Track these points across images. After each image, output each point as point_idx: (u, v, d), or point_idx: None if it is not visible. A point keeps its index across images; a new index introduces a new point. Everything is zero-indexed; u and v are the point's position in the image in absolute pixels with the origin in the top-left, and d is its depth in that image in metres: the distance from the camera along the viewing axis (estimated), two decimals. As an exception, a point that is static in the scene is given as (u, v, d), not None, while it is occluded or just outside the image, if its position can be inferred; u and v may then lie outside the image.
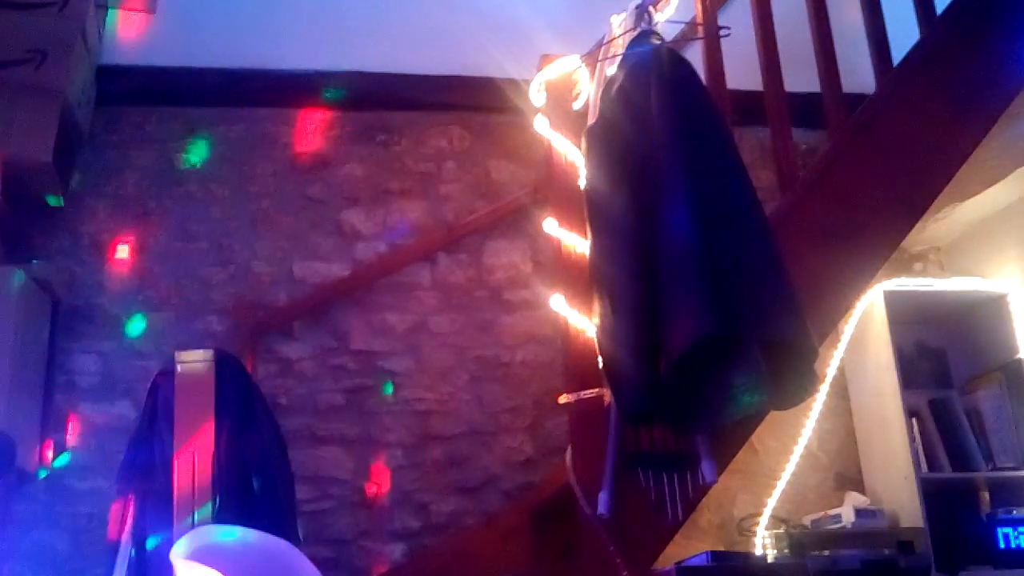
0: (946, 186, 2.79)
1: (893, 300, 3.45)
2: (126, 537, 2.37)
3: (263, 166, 3.68)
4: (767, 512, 3.38)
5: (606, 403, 2.44)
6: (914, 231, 2.91)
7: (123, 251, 3.49)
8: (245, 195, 3.63)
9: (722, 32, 2.83)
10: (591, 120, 2.61)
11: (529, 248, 3.72)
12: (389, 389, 3.47)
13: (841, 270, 2.66)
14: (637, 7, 2.62)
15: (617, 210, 2.30)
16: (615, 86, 2.45)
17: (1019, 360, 3.41)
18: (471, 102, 3.81)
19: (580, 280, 2.52)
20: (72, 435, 3.26)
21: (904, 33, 2.96)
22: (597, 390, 2.46)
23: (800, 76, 2.94)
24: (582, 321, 2.51)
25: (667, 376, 2.09)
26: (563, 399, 2.52)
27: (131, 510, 2.41)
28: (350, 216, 3.67)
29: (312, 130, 3.76)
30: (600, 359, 2.28)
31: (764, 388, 2.12)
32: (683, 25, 3.04)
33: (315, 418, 3.42)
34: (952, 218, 3.63)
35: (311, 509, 3.26)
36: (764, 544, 3.29)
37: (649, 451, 2.41)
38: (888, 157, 2.78)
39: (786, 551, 3.13)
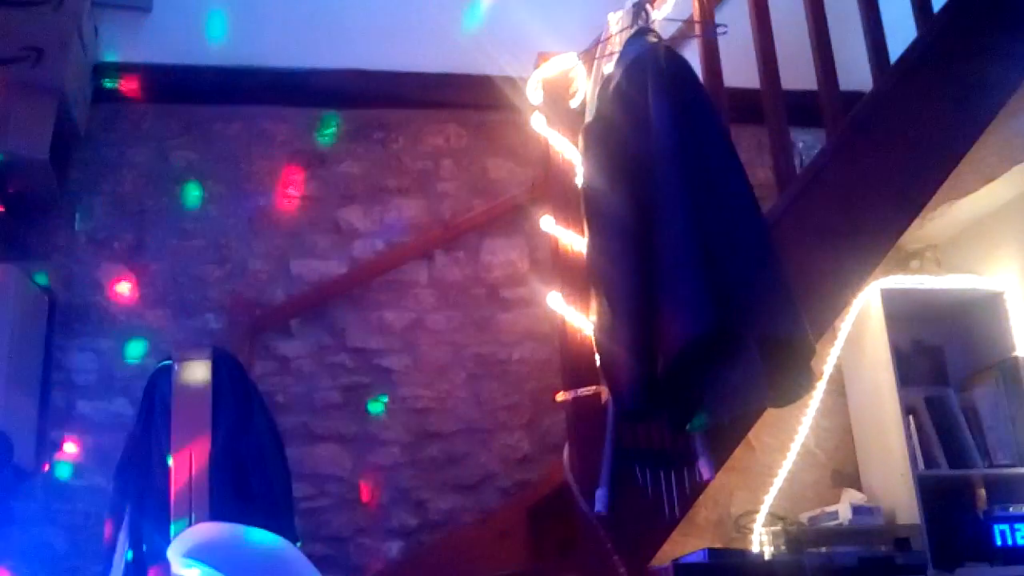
0: (943, 184, 2.80)
1: (890, 298, 3.45)
2: (123, 535, 2.37)
3: (260, 164, 3.68)
4: (764, 509, 3.38)
5: (603, 401, 2.45)
6: (911, 229, 2.92)
7: (120, 249, 3.49)
8: (242, 193, 3.63)
9: (719, 30, 2.83)
10: (588, 118, 2.61)
11: (526, 246, 3.72)
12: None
13: (838, 268, 2.66)
14: (634, 5, 2.63)
15: (614, 208, 2.30)
16: (612, 84, 2.45)
17: (1016, 358, 3.42)
18: (468, 100, 3.80)
19: (577, 278, 2.53)
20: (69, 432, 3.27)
21: (901, 31, 2.96)
22: (594, 388, 2.47)
23: (797, 74, 2.95)
24: (579, 319, 2.52)
25: (664, 374, 2.09)
26: (560, 397, 2.52)
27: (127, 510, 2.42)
28: (347, 214, 3.67)
29: (309, 128, 3.76)
30: (597, 356, 2.29)
31: (761, 385, 2.13)
32: (680, 23, 3.05)
33: (312, 416, 3.42)
34: (949, 216, 3.63)
35: (308, 507, 3.26)
36: (761, 541, 3.30)
37: (646, 448, 2.41)
38: (885, 155, 2.78)
39: (783, 548, 3.14)
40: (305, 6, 3.81)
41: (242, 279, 3.53)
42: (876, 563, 2.85)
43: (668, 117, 2.29)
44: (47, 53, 3.19)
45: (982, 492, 3.41)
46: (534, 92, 2.83)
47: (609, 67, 2.57)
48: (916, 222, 2.89)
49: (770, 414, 2.51)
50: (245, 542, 2.07)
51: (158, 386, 2.53)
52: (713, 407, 2.19)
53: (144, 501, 2.39)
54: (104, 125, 3.62)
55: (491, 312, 3.64)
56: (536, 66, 2.82)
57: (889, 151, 2.79)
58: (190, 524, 2.26)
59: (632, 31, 2.56)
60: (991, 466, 3.36)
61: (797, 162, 2.89)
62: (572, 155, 2.69)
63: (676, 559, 2.61)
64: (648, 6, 2.62)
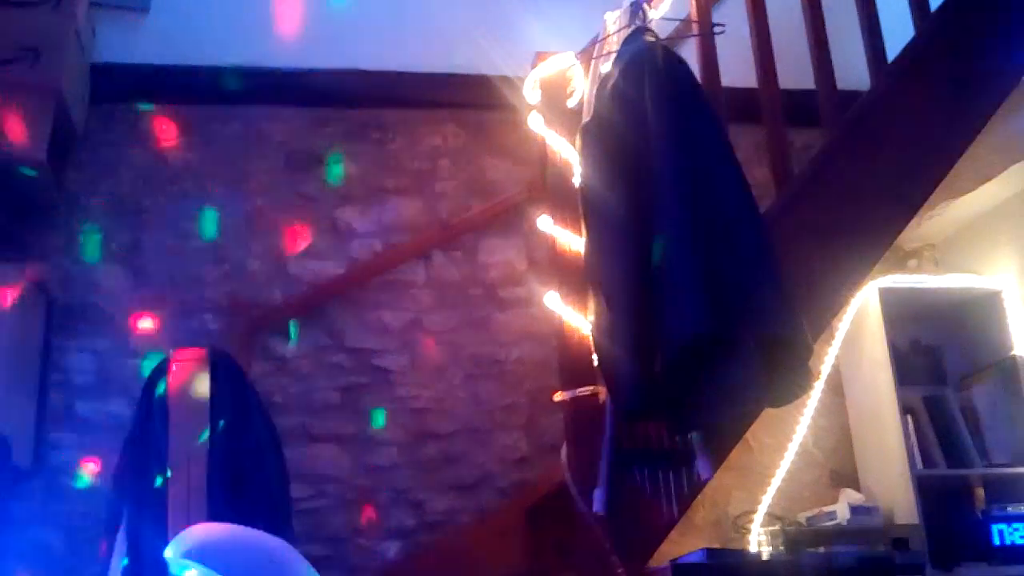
0: (941, 183, 2.80)
1: (888, 297, 3.45)
2: (120, 536, 2.37)
3: (257, 164, 3.68)
4: (762, 509, 3.38)
5: (601, 401, 2.45)
6: (908, 228, 2.92)
7: (118, 250, 3.48)
8: (240, 193, 3.63)
9: (716, 29, 2.83)
10: (586, 117, 2.60)
11: (524, 246, 3.72)
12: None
13: (836, 267, 2.66)
14: (631, 4, 2.62)
15: (612, 208, 2.30)
16: (610, 83, 2.45)
17: (1014, 357, 3.42)
18: (466, 99, 3.80)
19: (575, 278, 2.53)
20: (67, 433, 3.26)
21: (899, 30, 2.96)
22: (592, 388, 2.47)
23: (795, 73, 2.95)
24: (577, 318, 2.52)
25: (662, 373, 2.09)
26: (558, 397, 2.52)
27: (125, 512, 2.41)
28: (345, 214, 3.67)
29: (306, 128, 3.75)
30: (595, 356, 2.29)
31: (759, 385, 2.12)
32: (677, 22, 3.04)
33: (310, 416, 3.41)
34: (946, 215, 3.63)
35: (306, 507, 3.26)
36: (759, 541, 3.30)
37: (644, 448, 2.41)
38: (882, 154, 2.78)
39: (781, 548, 3.14)
40: (302, 6, 3.80)
41: (240, 279, 3.52)
42: (874, 563, 2.85)
43: (666, 116, 2.28)
44: (44, 53, 3.19)
45: (980, 492, 3.42)
46: (531, 92, 2.82)
47: (606, 66, 2.57)
48: (914, 221, 2.89)
49: (768, 414, 2.51)
50: (243, 543, 2.06)
51: (156, 387, 2.52)
52: (711, 407, 2.19)
53: (141, 502, 2.39)
54: (102, 125, 3.61)
55: (489, 312, 3.64)
56: (533, 66, 2.82)
57: (887, 150, 2.79)
58: (188, 525, 2.26)
59: (629, 30, 2.56)
60: (989, 466, 3.36)
61: (794, 162, 2.88)
62: (570, 155, 2.68)
63: (674, 559, 2.60)
64: (645, 5, 2.62)
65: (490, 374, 3.56)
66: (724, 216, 2.22)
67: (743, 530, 3.36)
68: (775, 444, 3.48)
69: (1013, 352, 3.42)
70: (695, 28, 2.90)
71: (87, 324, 3.38)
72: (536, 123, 2.78)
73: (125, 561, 2.32)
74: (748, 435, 2.73)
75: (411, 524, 3.36)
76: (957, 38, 2.89)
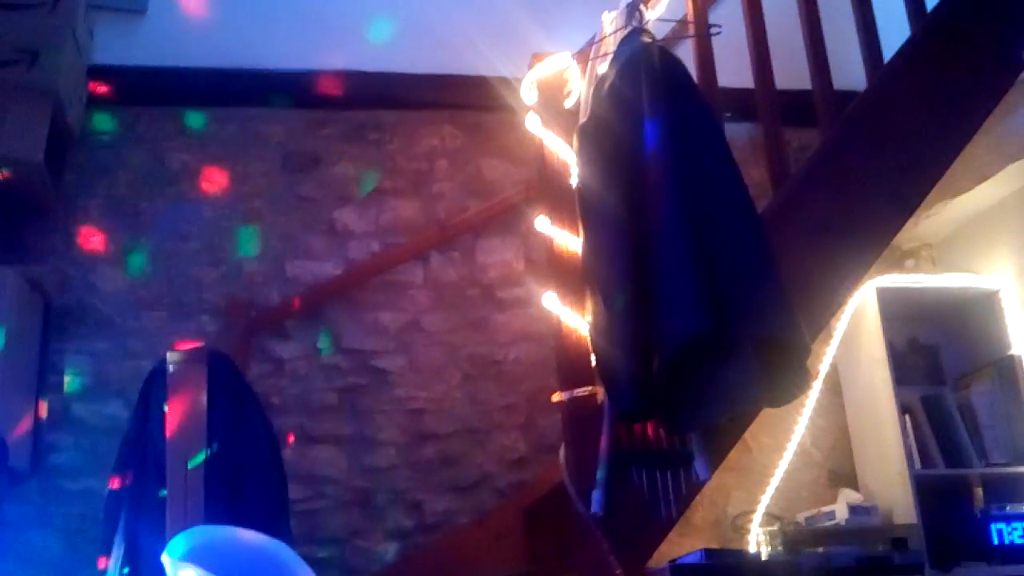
0: (938, 182, 2.80)
1: (885, 297, 3.45)
2: (119, 538, 2.37)
3: (255, 165, 3.68)
4: (761, 509, 3.39)
5: (599, 401, 2.44)
6: (906, 227, 2.92)
7: (115, 251, 3.48)
8: (237, 195, 3.63)
9: (713, 30, 2.82)
10: (583, 118, 2.60)
11: (522, 246, 3.72)
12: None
13: (833, 267, 2.66)
14: (628, 5, 2.62)
15: (609, 208, 2.30)
16: (606, 84, 2.45)
17: (1012, 356, 3.42)
18: (463, 100, 3.80)
19: (573, 278, 2.52)
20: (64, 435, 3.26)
21: (895, 30, 2.96)
22: (590, 388, 2.46)
23: (791, 73, 2.95)
24: (575, 319, 2.51)
25: (660, 374, 2.09)
26: (556, 397, 2.52)
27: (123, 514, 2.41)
28: (342, 215, 3.67)
29: (303, 129, 3.75)
30: (593, 357, 2.28)
31: (757, 385, 2.12)
32: (674, 23, 3.04)
33: (308, 417, 3.41)
34: (944, 214, 3.64)
35: (304, 508, 3.25)
36: (758, 541, 3.30)
37: (643, 449, 2.40)
38: (879, 153, 2.78)
39: (780, 548, 3.14)
40: (300, 8, 3.80)
41: (237, 281, 3.52)
42: (873, 563, 2.85)
43: (662, 117, 2.28)
44: (42, 55, 3.19)
45: (979, 491, 3.42)
46: (528, 92, 2.82)
47: (603, 67, 2.57)
48: (911, 221, 2.89)
49: (766, 414, 2.51)
50: (241, 544, 2.06)
51: (153, 389, 2.52)
52: (709, 407, 2.19)
53: (139, 505, 2.39)
54: (99, 127, 3.61)
55: (486, 313, 3.64)
56: (530, 66, 2.81)
57: (883, 150, 2.78)
58: (185, 527, 2.26)
59: (626, 31, 2.56)
60: (988, 465, 3.36)
61: (791, 161, 2.88)
62: (567, 155, 2.68)
63: (673, 560, 2.61)
64: (642, 6, 2.61)
65: (488, 375, 3.56)
66: (721, 216, 2.22)
67: (742, 530, 3.36)
68: (773, 444, 3.48)
69: (1011, 351, 3.43)
70: (691, 29, 2.90)
71: (84, 326, 3.38)
72: (533, 124, 2.77)
73: (126, 570, 2.32)
74: (746, 435, 2.73)
75: (409, 525, 3.35)
76: (953, 38, 2.89)
